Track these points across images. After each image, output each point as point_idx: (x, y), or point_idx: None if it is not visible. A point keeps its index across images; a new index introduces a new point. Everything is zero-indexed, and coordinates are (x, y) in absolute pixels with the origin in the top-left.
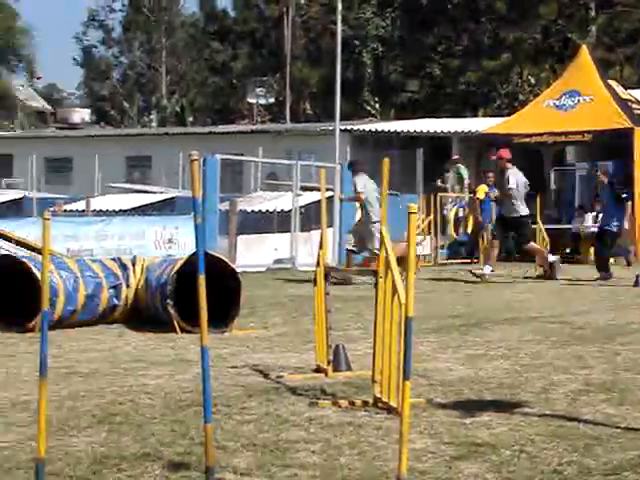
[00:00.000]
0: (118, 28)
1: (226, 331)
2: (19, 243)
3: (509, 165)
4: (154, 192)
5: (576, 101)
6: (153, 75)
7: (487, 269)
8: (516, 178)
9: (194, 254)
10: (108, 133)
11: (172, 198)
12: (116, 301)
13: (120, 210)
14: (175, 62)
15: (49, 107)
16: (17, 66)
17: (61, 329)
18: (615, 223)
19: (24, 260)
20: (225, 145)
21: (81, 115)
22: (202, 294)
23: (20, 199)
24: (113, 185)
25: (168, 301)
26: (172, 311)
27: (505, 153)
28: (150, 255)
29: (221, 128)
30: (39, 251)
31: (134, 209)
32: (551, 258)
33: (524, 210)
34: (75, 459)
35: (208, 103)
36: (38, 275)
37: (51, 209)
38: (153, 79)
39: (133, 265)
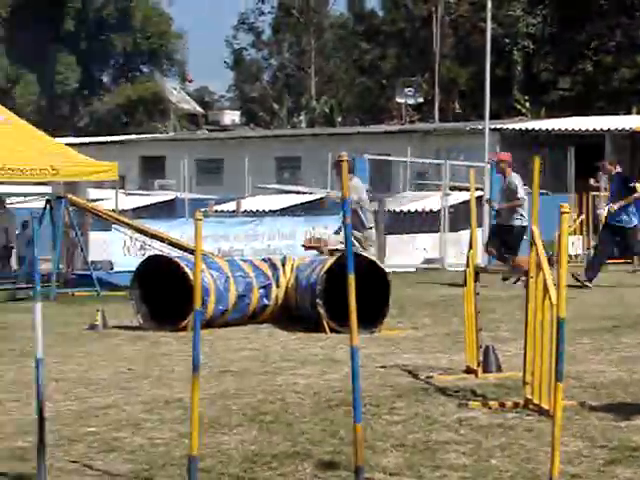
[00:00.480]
0: (268, 31)
1: (375, 331)
2: (172, 243)
3: (509, 170)
4: (303, 192)
5: None
6: (302, 76)
7: None
8: (522, 186)
9: (343, 254)
10: (258, 134)
11: (321, 198)
12: (266, 301)
13: (270, 210)
14: (324, 63)
15: (200, 109)
16: (170, 70)
17: (212, 328)
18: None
19: (177, 260)
20: (374, 145)
21: (231, 117)
22: (352, 294)
23: (172, 200)
24: (263, 186)
25: (317, 301)
26: (321, 311)
27: (506, 156)
28: (300, 255)
29: (370, 128)
30: (191, 251)
31: (284, 209)
32: None
33: (526, 221)
34: (227, 457)
35: (357, 103)
36: (190, 275)
37: (202, 210)
38: (302, 80)
39: (283, 265)
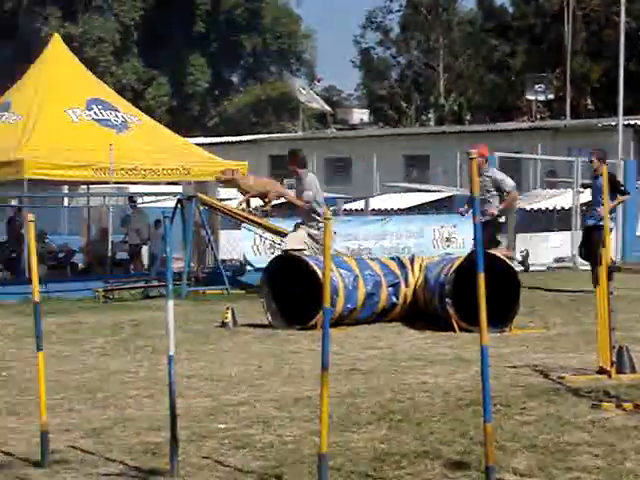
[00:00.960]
0: (396, 28)
1: (505, 330)
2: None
3: (486, 165)
4: (432, 191)
5: None
6: (430, 74)
7: None
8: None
9: (473, 253)
10: (386, 133)
11: (450, 196)
12: (395, 299)
13: (398, 209)
14: (452, 60)
15: (329, 108)
16: (298, 69)
17: (341, 326)
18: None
19: (306, 259)
20: (503, 143)
21: (360, 116)
22: (481, 293)
23: None
24: (391, 184)
25: (447, 300)
26: (450, 310)
27: (485, 150)
28: (428, 254)
29: (499, 126)
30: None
31: (412, 208)
32: None
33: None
34: (356, 455)
35: (486, 101)
36: (319, 273)
37: (332, 208)
38: (430, 78)
39: (411, 264)
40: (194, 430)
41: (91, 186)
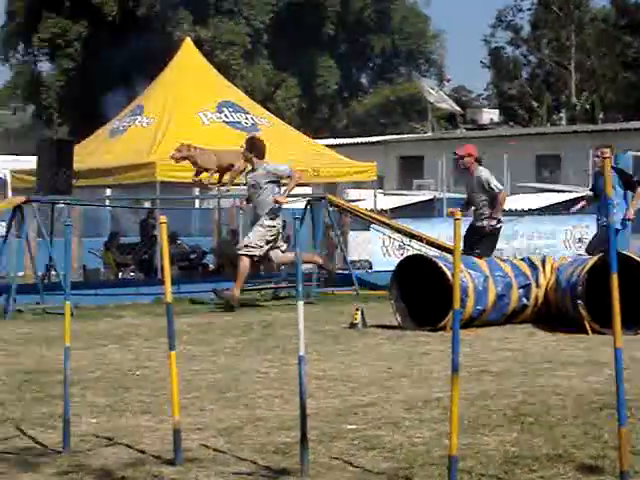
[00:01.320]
0: (526, 27)
1: (639, 332)
2: (430, 243)
3: (475, 164)
4: (564, 191)
5: None
6: (562, 73)
7: None
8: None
9: (605, 253)
10: (516, 132)
11: (582, 197)
12: (525, 301)
13: (529, 209)
14: (584, 58)
15: (458, 109)
16: (428, 70)
17: (471, 328)
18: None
19: (435, 260)
20: (637, 141)
21: (489, 115)
22: (615, 294)
23: (430, 200)
24: (522, 184)
25: (579, 302)
26: (583, 312)
27: (473, 150)
28: (560, 255)
29: (633, 124)
30: (449, 251)
31: (544, 208)
32: None
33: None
34: (486, 457)
35: (619, 99)
36: (449, 275)
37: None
38: (562, 77)
39: (543, 265)
40: (324, 430)
41: (222, 187)
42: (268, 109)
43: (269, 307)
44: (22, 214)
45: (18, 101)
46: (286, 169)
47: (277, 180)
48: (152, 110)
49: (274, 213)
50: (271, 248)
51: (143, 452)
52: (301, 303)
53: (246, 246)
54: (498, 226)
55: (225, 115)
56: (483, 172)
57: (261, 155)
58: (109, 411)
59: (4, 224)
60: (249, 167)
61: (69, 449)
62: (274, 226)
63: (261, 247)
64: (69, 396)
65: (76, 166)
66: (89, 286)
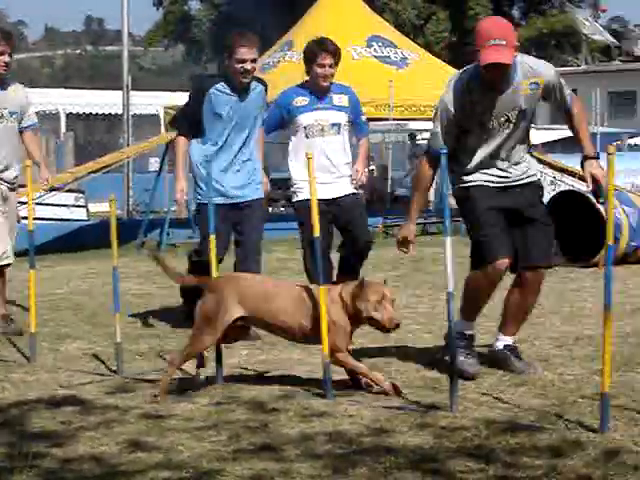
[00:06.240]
0: None
1: None
2: (582, 178)
3: None
4: None
5: None
6: None
7: None
8: None
9: None
10: None
11: None
12: None
13: None
14: None
15: (614, 40)
16: (582, 1)
17: (625, 265)
18: None
19: (589, 195)
20: None
21: None
22: None
23: None
24: None
25: None
26: None
27: None
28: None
29: None
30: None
31: None
32: None
33: None
34: (639, 395)
35: None
36: (603, 211)
37: (615, 143)
38: None
39: None
40: None
41: (371, 122)
42: (417, 42)
43: (419, 242)
44: None
45: (169, 39)
46: None
47: None
48: (302, 45)
49: None
50: None
51: (294, 385)
52: (449, 239)
53: None
54: None
55: (375, 49)
56: None
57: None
58: (260, 344)
59: (158, 160)
60: None
61: (222, 381)
62: None
63: None
64: None
65: None
66: None
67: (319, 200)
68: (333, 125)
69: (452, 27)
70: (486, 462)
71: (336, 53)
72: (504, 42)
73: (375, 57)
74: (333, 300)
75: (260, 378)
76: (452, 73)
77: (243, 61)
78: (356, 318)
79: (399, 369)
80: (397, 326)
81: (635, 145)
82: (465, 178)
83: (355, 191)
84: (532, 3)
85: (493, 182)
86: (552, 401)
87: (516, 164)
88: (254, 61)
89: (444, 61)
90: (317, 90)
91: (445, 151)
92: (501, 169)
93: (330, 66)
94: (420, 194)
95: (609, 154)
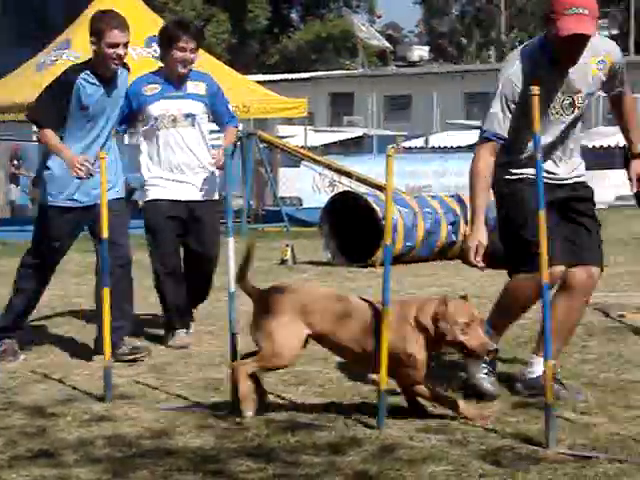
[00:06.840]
0: None
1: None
2: (360, 180)
3: None
4: None
5: None
6: (492, 10)
7: None
8: None
9: None
10: (447, 70)
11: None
12: (454, 237)
13: (458, 147)
14: None
15: (389, 46)
16: (358, 6)
17: (400, 264)
18: None
19: (365, 196)
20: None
21: (420, 53)
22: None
23: (360, 137)
24: (452, 122)
25: None
26: None
27: None
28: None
29: None
30: (379, 187)
31: (472, 146)
32: None
33: None
34: None
35: None
36: (379, 212)
37: (391, 146)
38: (492, 14)
39: None
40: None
41: None
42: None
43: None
44: None
45: None
46: None
47: None
48: (80, 45)
49: None
50: None
51: (74, 388)
52: (231, 239)
53: None
54: None
55: (154, 50)
56: None
57: None
58: (36, 348)
59: None
60: None
61: None
62: None
63: None
64: None
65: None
66: (15, 222)
67: (166, 201)
68: (187, 116)
69: (232, 29)
70: (266, 461)
71: (198, 37)
72: (587, 11)
73: (155, 57)
74: (409, 325)
75: (38, 382)
76: (232, 75)
77: (116, 45)
78: (435, 343)
79: (180, 370)
80: (490, 352)
81: (409, 148)
82: (514, 170)
83: (213, 198)
84: (310, 7)
85: (545, 177)
86: (331, 399)
87: (571, 158)
88: (126, 45)
89: (225, 63)
90: (173, 77)
91: (503, 140)
92: (556, 163)
93: (191, 51)
94: (482, 189)
95: (388, 156)
